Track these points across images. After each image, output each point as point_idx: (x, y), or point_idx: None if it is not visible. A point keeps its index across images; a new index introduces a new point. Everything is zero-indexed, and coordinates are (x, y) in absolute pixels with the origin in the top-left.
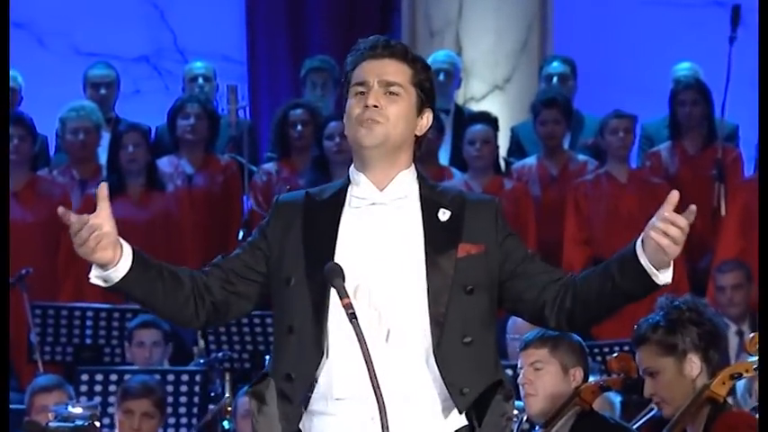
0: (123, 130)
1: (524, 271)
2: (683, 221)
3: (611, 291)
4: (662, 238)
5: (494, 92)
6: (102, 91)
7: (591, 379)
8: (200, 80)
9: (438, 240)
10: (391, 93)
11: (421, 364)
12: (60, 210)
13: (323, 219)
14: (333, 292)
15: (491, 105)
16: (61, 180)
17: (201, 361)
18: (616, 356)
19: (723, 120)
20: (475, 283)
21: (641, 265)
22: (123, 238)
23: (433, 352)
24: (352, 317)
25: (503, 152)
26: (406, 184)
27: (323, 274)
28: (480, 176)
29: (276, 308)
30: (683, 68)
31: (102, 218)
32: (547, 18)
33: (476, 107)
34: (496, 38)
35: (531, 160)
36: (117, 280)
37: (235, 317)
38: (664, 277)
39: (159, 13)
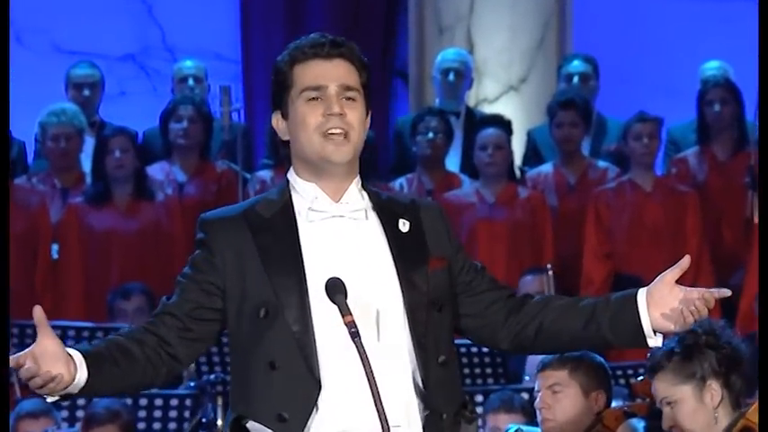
0: (109, 134)
1: (471, 285)
2: (713, 303)
3: (590, 336)
4: (691, 316)
5: (508, 93)
6: (86, 92)
7: (614, 404)
8: (191, 81)
9: (406, 255)
10: (349, 98)
11: (408, 389)
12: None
13: (278, 236)
14: (316, 315)
15: (505, 107)
16: (41, 188)
17: (192, 384)
18: (641, 380)
19: (756, 123)
20: (443, 299)
21: (640, 324)
22: (110, 251)
23: (421, 376)
24: (355, 335)
25: (517, 158)
26: (359, 193)
27: (327, 290)
28: (492, 184)
29: (241, 342)
30: (712, 67)
31: (43, 347)
32: (565, 13)
33: (488, 109)
34: (511, 34)
35: (547, 167)
36: (77, 391)
37: (196, 358)
38: (656, 341)
39: (146, 8)
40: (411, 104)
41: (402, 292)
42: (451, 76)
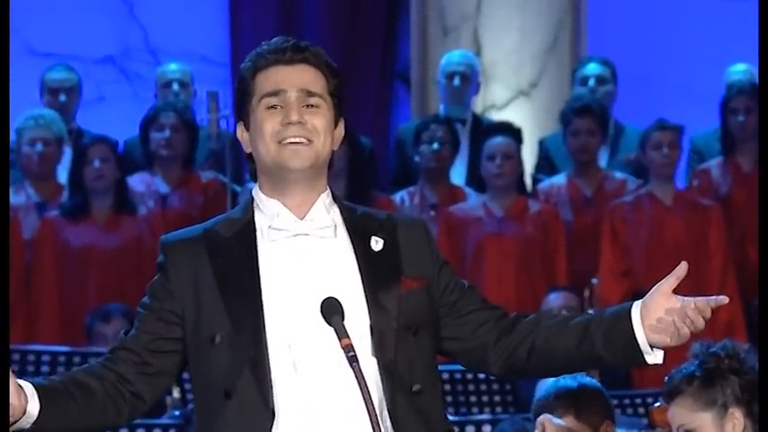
0: (88, 143)
1: (457, 306)
2: (709, 312)
3: (584, 354)
4: (685, 327)
5: (518, 98)
6: (62, 98)
7: None
8: (175, 85)
9: (376, 275)
10: (310, 105)
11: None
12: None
13: (236, 259)
14: (272, 339)
15: (515, 114)
16: (14, 201)
17: (177, 413)
18: (659, 407)
19: None
20: (419, 322)
21: (636, 340)
22: (87, 269)
23: (387, 407)
24: (353, 360)
25: (529, 169)
26: (327, 209)
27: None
28: (501, 197)
29: (198, 370)
30: (738, 71)
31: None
32: (580, 13)
33: (497, 116)
34: (521, 35)
35: (560, 178)
36: (29, 425)
37: (159, 395)
38: (656, 357)
39: (127, 7)
40: (413, 110)
41: (369, 314)
42: (457, 81)
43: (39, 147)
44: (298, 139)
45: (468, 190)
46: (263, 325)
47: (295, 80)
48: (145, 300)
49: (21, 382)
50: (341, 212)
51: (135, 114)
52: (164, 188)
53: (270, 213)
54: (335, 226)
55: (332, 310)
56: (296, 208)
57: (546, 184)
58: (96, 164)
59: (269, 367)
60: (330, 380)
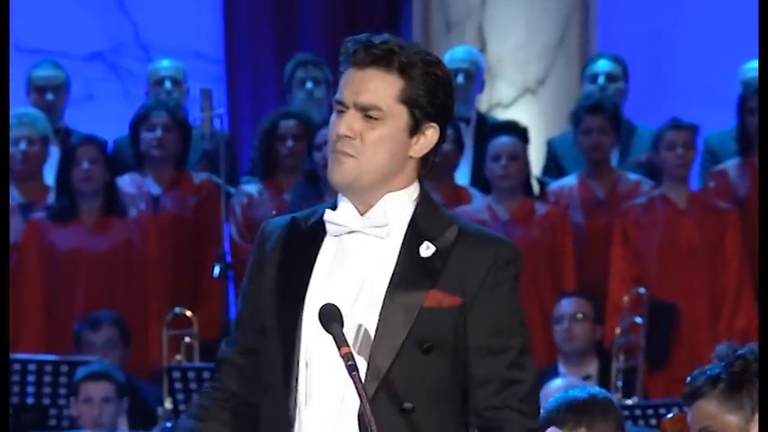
0: (76, 143)
1: (475, 357)
2: None
3: None
4: None
5: (524, 96)
6: (49, 96)
7: None
8: (168, 83)
9: (407, 281)
10: (369, 117)
11: (339, 428)
12: None
13: (301, 251)
14: (305, 340)
15: (521, 113)
16: None
17: (168, 425)
18: (671, 417)
19: None
20: (436, 340)
21: None
22: (75, 273)
23: (358, 414)
24: (352, 369)
25: (536, 170)
26: (395, 208)
27: (321, 318)
28: (507, 199)
29: (260, 360)
30: (754, 68)
31: None
32: (589, 7)
33: (502, 115)
34: (528, 31)
35: (570, 180)
36: None
37: None
38: None
39: (117, 1)
40: None
41: (378, 321)
42: (460, 78)
43: (22, 146)
44: (342, 154)
45: (473, 191)
46: (300, 322)
47: (356, 89)
48: (243, 287)
49: None
50: (414, 212)
51: (125, 113)
52: (155, 189)
53: (338, 207)
54: (392, 225)
55: (330, 317)
56: (360, 204)
57: (556, 185)
58: (85, 165)
59: (297, 365)
60: (332, 384)
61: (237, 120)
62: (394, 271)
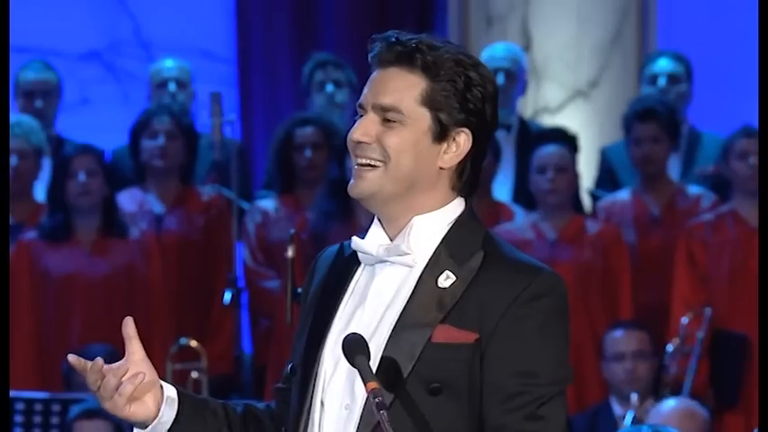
0: (70, 153)
1: (489, 401)
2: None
3: None
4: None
5: (575, 100)
6: (38, 104)
7: None
8: (172, 85)
9: (417, 313)
10: (388, 119)
11: None
12: (71, 358)
13: (335, 282)
14: (322, 379)
15: (570, 118)
16: None
17: None
18: None
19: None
20: (445, 381)
21: None
22: (70, 300)
23: None
24: (381, 407)
25: (587, 183)
26: (422, 233)
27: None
28: (554, 217)
29: None
30: None
31: (134, 362)
32: (648, 1)
33: (549, 121)
34: (578, 26)
35: (624, 194)
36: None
37: None
38: None
39: None
40: None
41: (382, 355)
42: (500, 78)
43: (14, 161)
44: (362, 161)
45: (515, 208)
46: (320, 359)
47: (375, 90)
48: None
49: (164, 384)
50: (444, 236)
51: (124, 119)
52: (158, 207)
53: (368, 233)
54: (419, 253)
55: (356, 349)
56: (391, 227)
57: (608, 200)
58: (81, 177)
59: (309, 409)
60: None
61: (250, 127)
62: (406, 303)
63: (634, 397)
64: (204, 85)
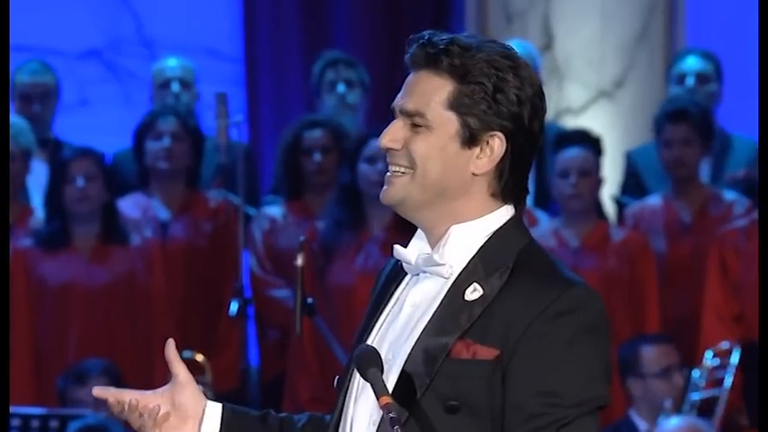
0: (69, 156)
1: (511, 423)
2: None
3: None
4: None
5: (598, 100)
6: (36, 108)
7: None
8: (175, 85)
9: (440, 325)
10: (415, 124)
11: None
12: (96, 391)
13: (382, 293)
14: (356, 388)
15: (594, 120)
16: None
17: None
18: None
19: None
20: (463, 399)
21: None
22: (67, 311)
23: None
24: (394, 422)
25: (612, 188)
26: (458, 242)
27: (356, 362)
28: (576, 223)
29: None
30: None
31: (179, 384)
32: None
33: (572, 122)
34: (603, 23)
35: (653, 200)
36: None
37: None
38: None
39: None
40: None
41: (402, 369)
42: None
43: None
44: (392, 168)
45: (539, 214)
46: (353, 373)
47: (404, 93)
48: None
49: (210, 404)
50: (481, 246)
51: (125, 121)
52: (163, 213)
53: (410, 242)
54: (451, 264)
55: (368, 361)
56: (431, 237)
57: (636, 206)
58: (80, 182)
59: (345, 413)
60: None
61: (258, 129)
62: (432, 315)
63: (668, 404)
64: (209, 85)
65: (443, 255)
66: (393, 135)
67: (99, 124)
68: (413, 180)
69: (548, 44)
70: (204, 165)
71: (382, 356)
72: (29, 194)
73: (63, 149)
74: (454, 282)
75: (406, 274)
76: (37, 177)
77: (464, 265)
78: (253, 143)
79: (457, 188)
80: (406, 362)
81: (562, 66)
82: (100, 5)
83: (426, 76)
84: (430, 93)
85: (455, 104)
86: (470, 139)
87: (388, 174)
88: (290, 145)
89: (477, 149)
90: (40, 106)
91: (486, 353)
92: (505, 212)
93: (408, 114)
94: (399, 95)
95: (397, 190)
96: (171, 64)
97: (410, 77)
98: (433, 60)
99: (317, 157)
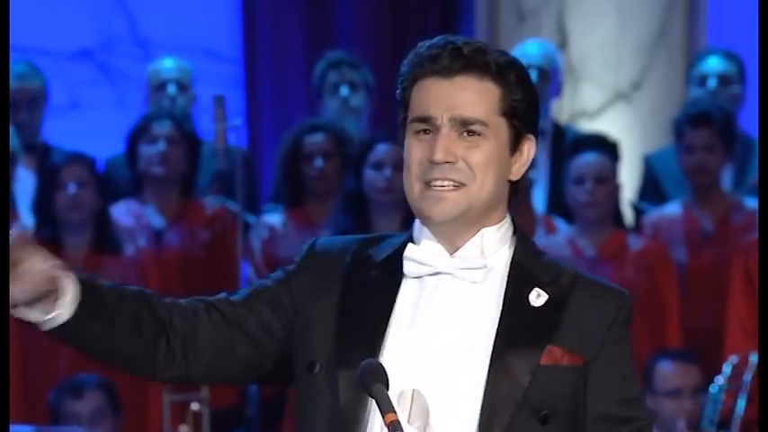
0: (59, 162)
1: (591, 426)
2: None
3: None
4: None
5: (615, 103)
6: (23, 116)
7: None
8: (171, 87)
9: (517, 333)
10: (471, 133)
11: None
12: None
13: (372, 293)
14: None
15: (611, 123)
16: None
17: None
18: None
19: None
20: (554, 408)
21: None
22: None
23: None
24: None
25: (630, 194)
26: (492, 246)
27: (360, 378)
28: (593, 232)
29: (297, 400)
30: None
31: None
32: None
33: (587, 126)
34: (620, 22)
35: (673, 208)
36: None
37: (215, 381)
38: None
39: None
40: None
41: (487, 381)
42: (533, 79)
43: None
44: (442, 183)
45: (557, 221)
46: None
47: (449, 102)
48: (262, 281)
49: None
50: (514, 252)
51: (118, 124)
52: (158, 221)
53: (420, 243)
54: (489, 268)
55: (373, 376)
56: (451, 241)
57: (655, 214)
58: (71, 189)
59: (365, 422)
60: None
61: (257, 133)
62: (500, 321)
63: (680, 424)
64: (207, 87)
65: (482, 257)
66: (448, 149)
67: (91, 128)
68: (470, 192)
69: (562, 44)
70: (201, 170)
71: (422, 372)
72: (15, 202)
73: (53, 155)
74: (506, 287)
75: (397, 278)
76: (22, 184)
77: (503, 269)
78: (252, 148)
79: (499, 197)
80: (489, 374)
81: (577, 66)
82: (91, 3)
83: (467, 82)
84: (481, 99)
85: (504, 109)
86: (515, 144)
87: (429, 188)
88: (290, 150)
89: (517, 154)
90: (27, 113)
91: (573, 359)
92: (509, 217)
93: (464, 123)
94: (435, 105)
95: (455, 205)
96: (166, 65)
97: (442, 85)
98: (475, 64)
99: (319, 162)
